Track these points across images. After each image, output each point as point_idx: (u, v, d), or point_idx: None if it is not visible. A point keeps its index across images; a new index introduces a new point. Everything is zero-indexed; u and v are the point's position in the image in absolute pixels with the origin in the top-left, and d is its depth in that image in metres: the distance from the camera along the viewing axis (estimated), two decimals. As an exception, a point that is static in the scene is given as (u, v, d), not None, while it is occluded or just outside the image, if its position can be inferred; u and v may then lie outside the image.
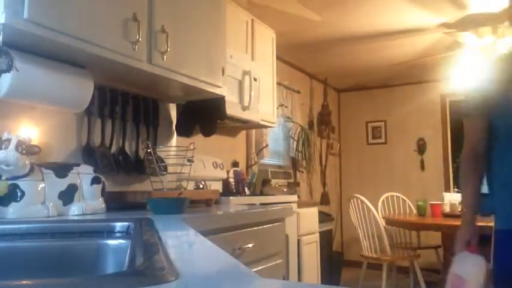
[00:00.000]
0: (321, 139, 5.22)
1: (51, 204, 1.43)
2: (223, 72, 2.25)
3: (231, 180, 3.20)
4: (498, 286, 1.60)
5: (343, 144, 5.94)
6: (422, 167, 5.41)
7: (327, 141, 5.33)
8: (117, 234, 1.11)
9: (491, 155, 1.66)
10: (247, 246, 1.62)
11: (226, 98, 2.42)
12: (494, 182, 1.67)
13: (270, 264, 1.85)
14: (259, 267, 1.74)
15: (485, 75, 1.74)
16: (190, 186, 2.38)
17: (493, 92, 1.65)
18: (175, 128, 2.48)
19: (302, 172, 4.71)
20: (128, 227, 1.11)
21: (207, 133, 2.74)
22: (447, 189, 5.11)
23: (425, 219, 3.70)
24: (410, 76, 5.23)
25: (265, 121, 3.30)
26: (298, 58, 4.64)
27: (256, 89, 3.02)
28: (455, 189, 4.89)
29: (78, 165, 1.61)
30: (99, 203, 1.62)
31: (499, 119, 1.64)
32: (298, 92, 4.67)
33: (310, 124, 5.08)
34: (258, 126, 3.42)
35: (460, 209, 3.58)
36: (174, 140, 2.47)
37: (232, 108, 2.75)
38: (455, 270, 1.60)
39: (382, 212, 4.43)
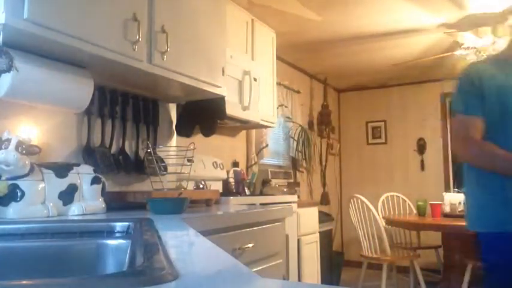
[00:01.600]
0: (321, 139, 5.22)
1: (51, 204, 1.43)
2: (223, 72, 2.25)
3: (231, 180, 3.20)
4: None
5: (343, 144, 5.94)
6: (422, 167, 5.41)
7: (327, 141, 5.32)
8: (117, 234, 1.11)
9: None
10: (247, 246, 1.62)
11: (226, 98, 2.42)
12: (484, 181, 1.63)
13: (270, 264, 1.85)
14: (259, 267, 1.74)
15: (472, 76, 1.68)
16: (190, 186, 2.38)
17: (484, 92, 1.63)
18: (175, 128, 2.48)
19: (302, 172, 4.71)
20: (128, 227, 1.11)
21: (207, 133, 2.74)
22: (447, 189, 5.10)
23: (425, 219, 3.70)
24: (410, 76, 5.23)
25: (265, 121, 3.30)
26: (298, 58, 4.64)
27: (256, 89, 3.02)
28: (455, 189, 4.88)
29: (78, 165, 1.61)
30: (99, 203, 1.62)
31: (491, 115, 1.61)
32: (298, 92, 4.67)
33: (310, 124, 5.08)
34: (258, 126, 3.42)
35: (460, 209, 3.58)
36: (174, 140, 2.47)
37: (232, 108, 2.75)
38: None
39: (382, 212, 4.43)
